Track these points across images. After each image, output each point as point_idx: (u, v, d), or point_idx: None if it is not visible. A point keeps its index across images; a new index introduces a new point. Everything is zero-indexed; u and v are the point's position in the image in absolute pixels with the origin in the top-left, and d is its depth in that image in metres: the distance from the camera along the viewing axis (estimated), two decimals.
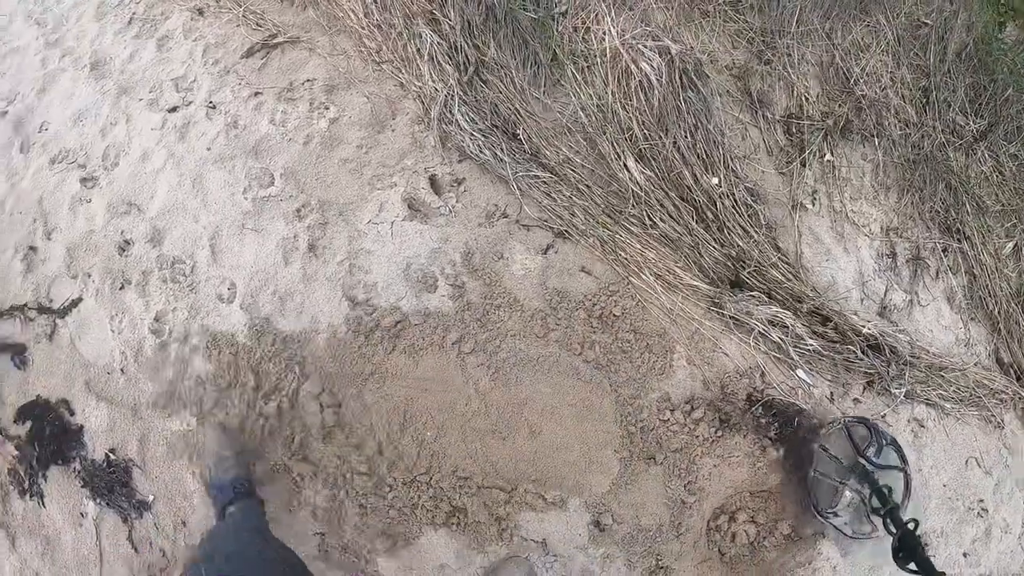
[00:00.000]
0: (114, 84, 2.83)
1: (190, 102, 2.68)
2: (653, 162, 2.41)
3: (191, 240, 2.42)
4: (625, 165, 2.40)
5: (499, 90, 2.51)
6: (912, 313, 2.41)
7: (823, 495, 2.11)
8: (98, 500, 2.32)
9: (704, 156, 2.41)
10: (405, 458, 2.12)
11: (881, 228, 2.50)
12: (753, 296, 2.33)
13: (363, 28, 2.69)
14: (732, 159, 2.44)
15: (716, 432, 2.21)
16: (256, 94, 2.61)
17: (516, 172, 2.39)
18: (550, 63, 2.55)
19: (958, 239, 2.48)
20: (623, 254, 2.35)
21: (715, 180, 2.40)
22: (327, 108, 2.54)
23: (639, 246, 2.36)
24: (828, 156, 2.53)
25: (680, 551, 2.13)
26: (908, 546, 1.74)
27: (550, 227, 2.37)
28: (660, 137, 2.40)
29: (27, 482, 2.45)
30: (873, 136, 2.53)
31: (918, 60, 2.56)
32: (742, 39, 2.61)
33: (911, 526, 1.78)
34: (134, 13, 3.03)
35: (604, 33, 2.50)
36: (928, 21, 2.56)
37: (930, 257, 2.48)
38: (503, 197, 2.36)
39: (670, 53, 2.43)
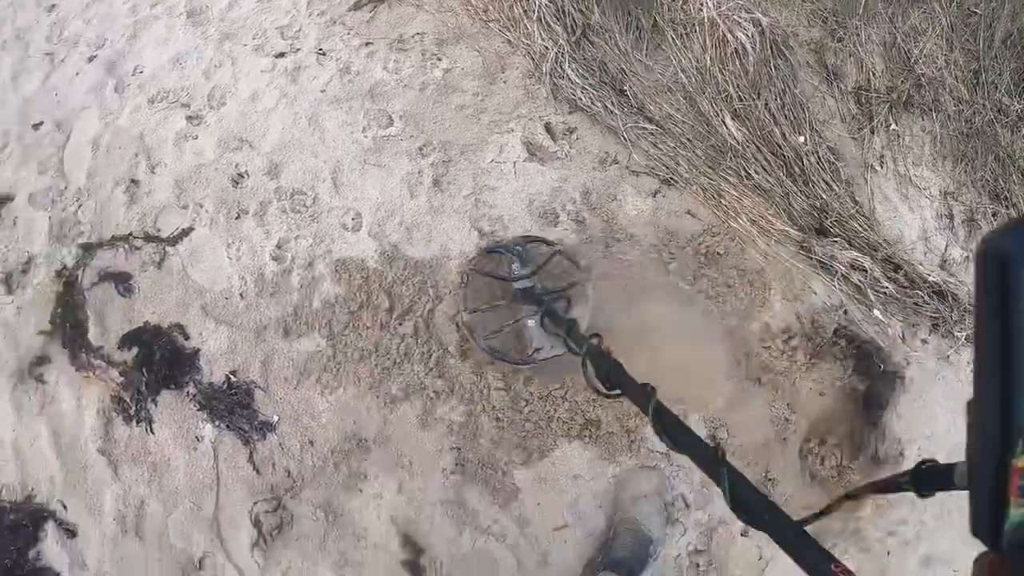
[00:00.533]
0: (215, 30, 2.89)
1: (298, 49, 2.77)
2: (747, 121, 2.64)
3: (311, 174, 2.50)
4: (723, 122, 2.61)
5: (605, 51, 2.70)
6: (968, 267, 2.69)
7: (513, 345, 2.07)
8: (217, 423, 2.34)
9: (791, 117, 2.66)
10: (538, 374, 2.23)
11: (939, 192, 2.78)
12: (836, 242, 2.56)
13: None
14: (815, 122, 2.69)
15: (810, 359, 2.40)
16: (367, 44, 2.72)
17: (625, 124, 2.58)
18: (651, 29, 2.76)
19: (1006, 205, 2.78)
20: (723, 201, 2.55)
21: (801, 139, 2.64)
22: (439, 59, 2.67)
23: (736, 194, 2.57)
24: (893, 126, 2.82)
25: (784, 466, 2.30)
26: (600, 365, 1.33)
27: (656, 174, 2.55)
28: (753, 99, 2.64)
29: (134, 408, 2.44)
30: (931, 110, 2.83)
31: (969, 45, 2.89)
32: (817, 19, 2.89)
33: (595, 342, 1.42)
34: None
35: (701, 4, 2.73)
36: (977, 11, 2.90)
37: (982, 220, 2.77)
38: (613, 146, 2.54)
39: (761, 25, 2.68)
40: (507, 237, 2.31)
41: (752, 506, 0.86)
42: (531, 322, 2.08)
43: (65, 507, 2.44)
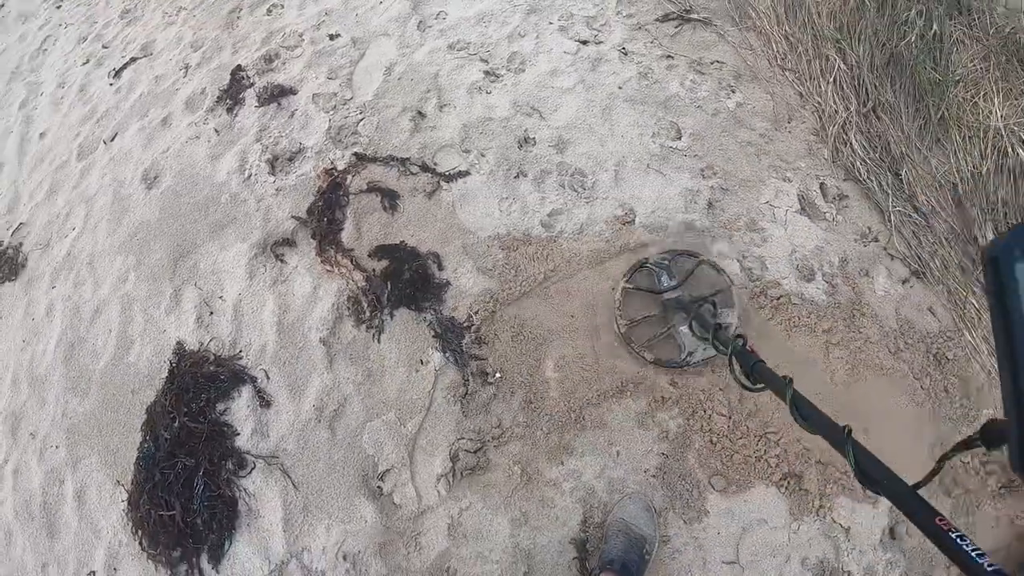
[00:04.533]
0: (524, 1, 3.06)
1: (601, 42, 2.92)
2: None
3: (595, 160, 2.63)
4: (985, 234, 2.66)
5: (890, 130, 2.78)
6: None
7: (670, 351, 2.26)
8: (447, 354, 2.47)
9: None
10: (761, 413, 2.32)
11: None
12: None
13: (772, 33, 2.96)
14: None
15: (1000, 488, 2.43)
16: (668, 56, 2.86)
17: (893, 207, 2.64)
18: (937, 121, 2.82)
19: None
20: (965, 310, 2.60)
21: None
22: (733, 91, 2.79)
23: (977, 306, 2.61)
24: None
25: None
26: (745, 363, 1.45)
27: (909, 264, 2.62)
28: (1018, 219, 2.68)
29: (368, 313, 2.60)
30: None
31: None
32: None
33: (739, 343, 1.54)
34: None
35: (991, 112, 2.79)
36: None
37: None
38: (877, 223, 2.61)
39: None
40: (653, 253, 2.47)
41: (874, 474, 0.99)
42: (683, 328, 2.26)
43: (268, 377, 2.60)
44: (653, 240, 2.48)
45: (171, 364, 2.76)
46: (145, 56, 3.71)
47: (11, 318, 3.15)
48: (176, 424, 2.59)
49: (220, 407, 2.60)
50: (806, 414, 1.18)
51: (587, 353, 2.41)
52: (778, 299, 2.43)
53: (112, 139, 3.35)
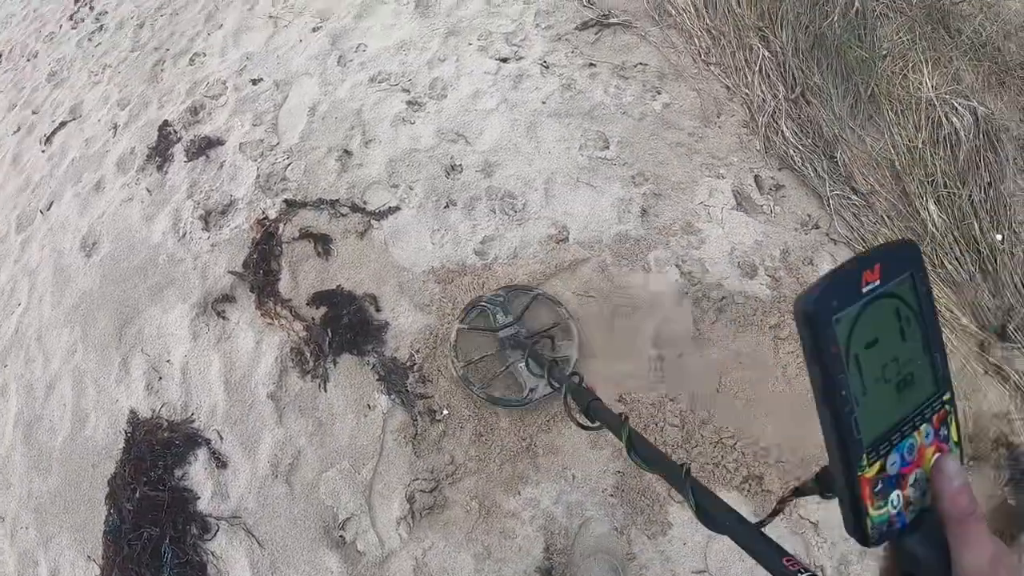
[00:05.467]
0: (442, 25, 3.02)
1: (521, 57, 2.87)
2: (949, 209, 2.64)
3: (523, 180, 2.59)
4: (926, 206, 2.62)
5: (821, 113, 2.74)
6: None
7: (510, 388, 2.23)
8: (392, 396, 2.43)
9: (993, 213, 2.64)
10: (715, 419, 2.28)
11: None
12: (1016, 348, 2.54)
13: (694, 29, 2.92)
14: (1015, 222, 2.67)
15: (968, 462, 2.39)
16: (591, 65, 2.81)
17: (831, 191, 2.60)
18: (868, 99, 2.78)
19: None
20: None
21: (999, 237, 2.63)
22: (659, 93, 2.75)
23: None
24: None
25: None
26: (581, 401, 1.39)
27: (854, 247, 2.57)
28: (958, 187, 2.64)
29: (312, 363, 2.56)
30: None
31: None
32: None
33: (575, 380, 1.49)
34: None
35: (921, 83, 2.75)
36: None
37: None
38: (816, 210, 2.57)
39: (977, 114, 2.68)
40: (488, 289, 2.42)
41: (714, 514, 0.94)
42: (520, 366, 2.22)
43: (221, 438, 2.56)
44: (589, 255, 2.44)
45: (126, 434, 2.72)
46: (74, 119, 3.66)
47: None
48: (137, 495, 2.55)
49: (178, 473, 2.56)
50: (643, 453, 1.12)
51: None
52: (721, 300, 2.39)
53: (48, 208, 3.30)
